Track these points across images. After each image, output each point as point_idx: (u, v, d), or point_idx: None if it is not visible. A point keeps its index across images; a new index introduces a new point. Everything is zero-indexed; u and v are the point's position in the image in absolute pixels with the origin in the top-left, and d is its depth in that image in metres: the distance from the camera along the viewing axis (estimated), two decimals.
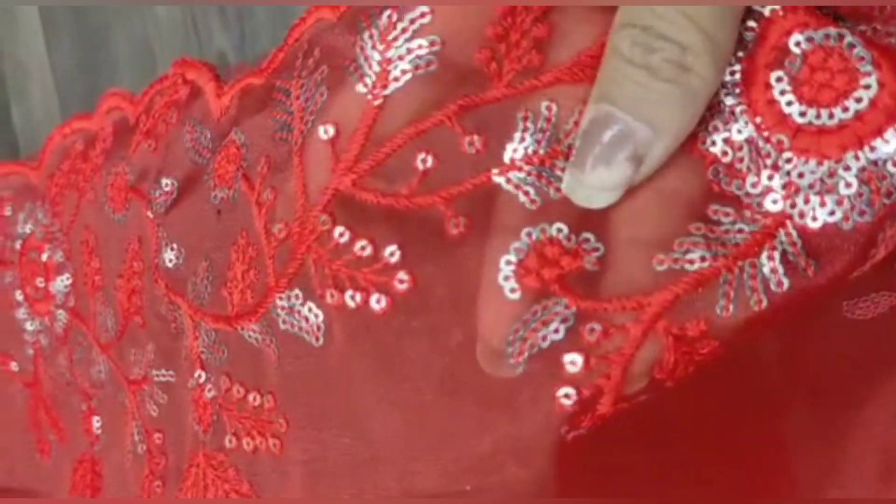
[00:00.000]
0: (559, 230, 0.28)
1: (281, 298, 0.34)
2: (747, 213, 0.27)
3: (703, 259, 0.27)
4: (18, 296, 0.56)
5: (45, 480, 0.60)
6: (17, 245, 0.55)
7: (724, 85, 0.27)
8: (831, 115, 0.26)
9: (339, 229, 0.32)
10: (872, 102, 0.25)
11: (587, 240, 0.28)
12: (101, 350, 0.48)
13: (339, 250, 0.31)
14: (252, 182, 0.36)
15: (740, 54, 0.27)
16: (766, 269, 0.27)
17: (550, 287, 0.28)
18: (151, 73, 0.65)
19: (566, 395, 0.28)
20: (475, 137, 0.29)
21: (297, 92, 0.34)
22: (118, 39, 0.69)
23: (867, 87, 0.25)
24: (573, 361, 0.28)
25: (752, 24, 0.27)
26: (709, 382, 0.30)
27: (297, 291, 0.34)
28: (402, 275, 0.30)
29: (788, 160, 0.26)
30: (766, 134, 0.27)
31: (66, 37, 0.72)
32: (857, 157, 0.26)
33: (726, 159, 0.27)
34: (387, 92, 0.30)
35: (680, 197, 0.27)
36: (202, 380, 0.39)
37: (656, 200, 0.27)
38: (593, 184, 0.27)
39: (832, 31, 0.26)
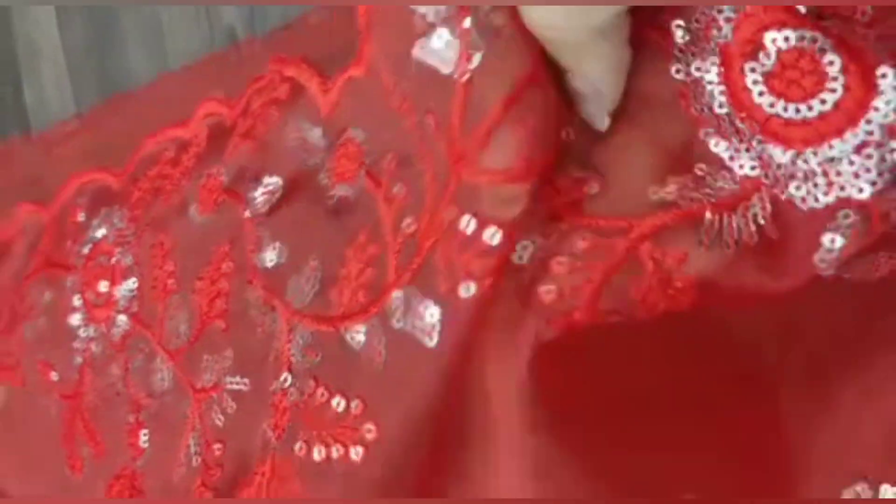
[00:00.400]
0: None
1: (398, 296, 0.33)
2: (727, 175, 0.30)
3: (691, 200, 0.30)
4: (76, 301, 0.55)
5: (75, 493, 0.57)
6: (86, 249, 0.54)
7: (706, 67, 0.30)
8: (797, 111, 0.28)
9: (465, 219, 0.31)
10: (837, 104, 0.28)
11: (594, 169, 0.31)
12: (168, 356, 0.46)
13: (466, 242, 0.31)
14: (378, 179, 0.35)
15: (719, 41, 0.29)
16: (741, 222, 0.30)
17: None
18: (161, 50, 0.65)
19: (548, 291, 0.31)
20: None
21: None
22: (128, 18, 0.69)
23: (833, 90, 0.28)
24: (560, 262, 0.31)
25: (730, 14, 0.29)
26: (701, 359, 0.34)
27: (415, 288, 0.33)
28: None
29: (760, 141, 0.29)
30: (741, 115, 0.29)
31: (77, 17, 0.72)
32: (815, 153, 0.28)
33: (714, 126, 0.30)
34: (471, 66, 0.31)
35: (675, 149, 0.31)
36: (287, 384, 0.38)
37: (653, 149, 0.31)
38: None
39: (807, 33, 0.28)
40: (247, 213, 0.41)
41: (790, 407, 0.37)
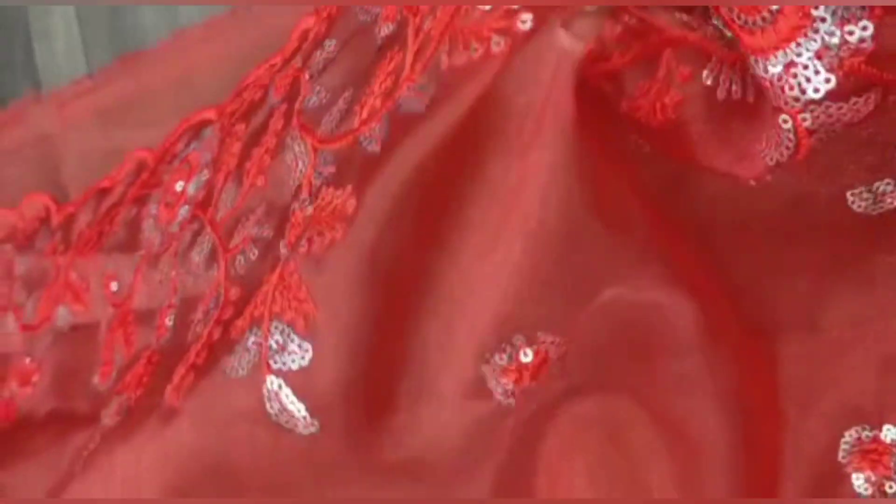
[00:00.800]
0: None
1: (410, 88, 0.35)
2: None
3: (707, 36, 0.32)
4: (153, 209, 0.58)
5: (92, 401, 0.58)
6: (176, 163, 0.58)
7: None
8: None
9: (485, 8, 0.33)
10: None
11: None
12: (213, 228, 0.48)
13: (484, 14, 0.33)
14: (415, 10, 0.38)
15: None
16: (734, 77, 0.32)
17: None
18: (172, 9, 0.65)
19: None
20: None
21: None
22: None
23: None
24: None
25: None
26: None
27: (426, 77, 0.34)
28: None
29: None
30: None
31: None
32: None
33: None
34: None
35: None
36: (305, 203, 0.39)
37: None
38: None
39: None
40: (306, 76, 0.44)
41: (789, 355, 0.37)
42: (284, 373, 0.37)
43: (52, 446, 0.60)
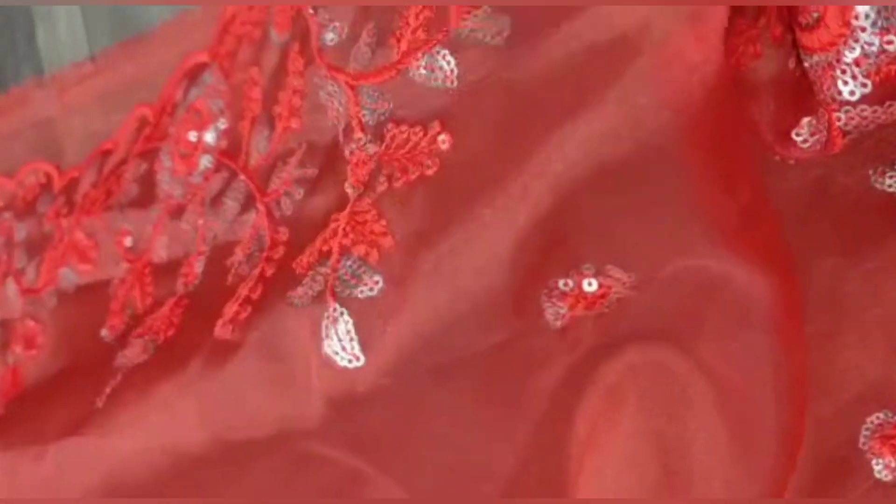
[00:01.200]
0: None
1: (465, 20, 0.35)
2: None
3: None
4: (167, 162, 0.57)
5: (103, 352, 0.58)
6: (180, 113, 0.58)
7: None
8: None
9: None
10: None
11: None
12: (247, 175, 0.48)
13: None
14: None
15: None
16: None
17: None
18: None
19: None
20: None
21: None
22: None
23: None
24: None
25: None
26: None
27: (486, 8, 0.35)
28: None
29: None
30: None
31: None
32: None
33: None
34: None
35: None
36: (362, 142, 0.39)
37: None
38: None
39: None
40: (310, 10, 0.43)
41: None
42: (349, 301, 0.37)
43: (68, 404, 0.60)
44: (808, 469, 0.38)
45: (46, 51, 0.73)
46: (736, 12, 0.32)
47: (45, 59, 0.73)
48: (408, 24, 0.37)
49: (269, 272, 0.42)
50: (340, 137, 0.41)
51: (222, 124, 0.53)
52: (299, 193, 0.43)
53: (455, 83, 0.36)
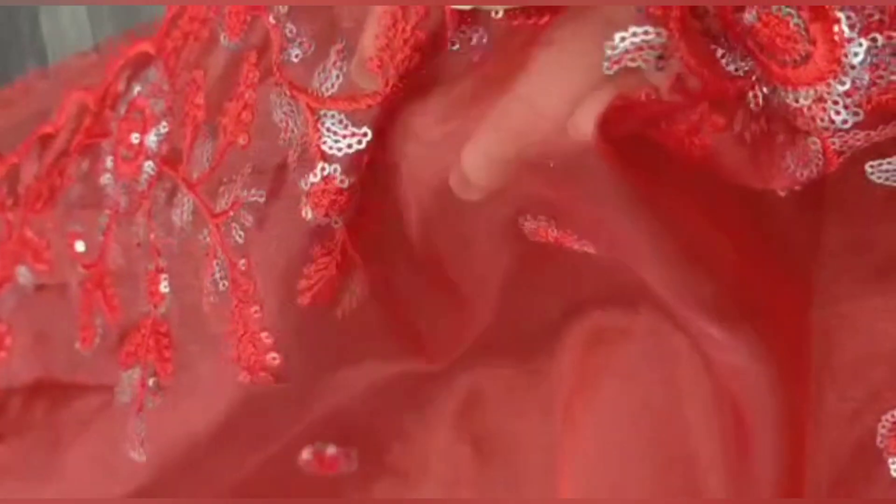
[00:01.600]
0: None
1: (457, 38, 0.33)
2: None
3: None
4: (109, 162, 0.54)
5: (82, 369, 0.56)
6: (122, 110, 0.54)
7: None
8: None
9: None
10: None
11: None
12: (189, 188, 0.45)
13: None
14: None
15: None
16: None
17: None
18: None
19: None
20: None
21: None
22: None
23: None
24: None
25: None
26: None
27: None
28: None
29: None
30: None
31: None
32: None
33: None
34: None
35: None
36: (326, 172, 0.37)
37: None
38: None
39: None
40: (271, 19, 0.40)
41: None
42: None
43: (46, 418, 0.59)
44: (824, 467, 0.38)
45: (50, 42, 0.74)
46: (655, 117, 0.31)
47: (49, 50, 0.74)
48: (387, 47, 0.34)
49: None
50: (292, 163, 0.38)
51: (163, 128, 0.49)
52: (248, 220, 0.40)
53: None
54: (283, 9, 0.39)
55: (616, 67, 0.29)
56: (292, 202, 0.38)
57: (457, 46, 0.34)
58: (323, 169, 0.36)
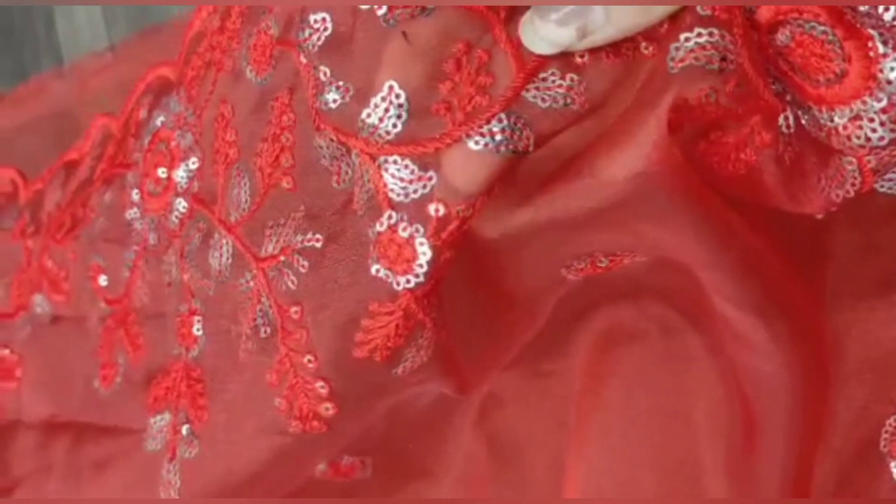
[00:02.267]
0: None
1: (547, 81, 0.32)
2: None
3: None
4: (135, 195, 0.52)
5: (102, 410, 0.54)
6: (146, 142, 0.52)
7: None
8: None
9: None
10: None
11: None
12: (227, 230, 0.43)
13: None
14: None
15: None
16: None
17: None
18: None
19: None
20: None
21: None
22: None
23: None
24: None
25: None
26: None
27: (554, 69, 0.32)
28: None
29: None
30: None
31: None
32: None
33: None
34: None
35: None
36: (393, 220, 0.35)
37: None
38: (543, 34, 0.31)
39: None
40: (302, 59, 0.38)
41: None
42: None
43: (66, 457, 0.58)
44: (831, 470, 0.39)
45: (65, 41, 0.74)
46: (710, 126, 0.32)
47: (64, 50, 0.74)
48: (458, 84, 0.34)
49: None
50: (360, 209, 0.36)
51: (193, 164, 0.47)
52: (303, 266, 0.38)
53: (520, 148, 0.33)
54: (314, 47, 0.38)
55: (681, 66, 0.30)
56: (355, 249, 0.37)
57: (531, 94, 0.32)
58: (390, 217, 0.35)
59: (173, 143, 0.49)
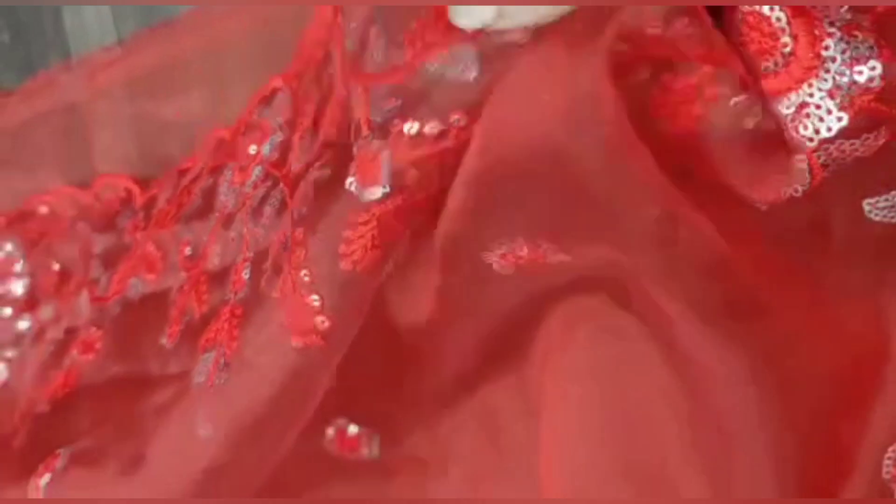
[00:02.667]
0: None
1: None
2: None
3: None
4: (228, 174, 0.59)
5: (165, 362, 0.59)
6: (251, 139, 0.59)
7: None
8: None
9: None
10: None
11: None
12: (285, 183, 0.50)
13: None
14: None
15: None
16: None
17: None
18: None
19: None
20: None
21: None
22: None
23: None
24: None
25: None
26: None
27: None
28: None
29: None
30: None
31: None
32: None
33: None
34: None
35: None
36: (370, 138, 0.40)
37: None
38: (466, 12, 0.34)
39: None
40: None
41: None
42: None
43: (126, 409, 0.61)
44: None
45: (73, 35, 0.72)
46: (670, 66, 0.33)
47: (72, 44, 0.72)
48: (423, 24, 0.38)
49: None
50: (352, 137, 0.42)
51: (278, 137, 0.54)
52: (312, 193, 0.44)
53: (469, 77, 0.37)
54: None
55: None
56: (345, 170, 0.42)
57: None
58: (366, 137, 0.40)
59: (265, 125, 0.56)
